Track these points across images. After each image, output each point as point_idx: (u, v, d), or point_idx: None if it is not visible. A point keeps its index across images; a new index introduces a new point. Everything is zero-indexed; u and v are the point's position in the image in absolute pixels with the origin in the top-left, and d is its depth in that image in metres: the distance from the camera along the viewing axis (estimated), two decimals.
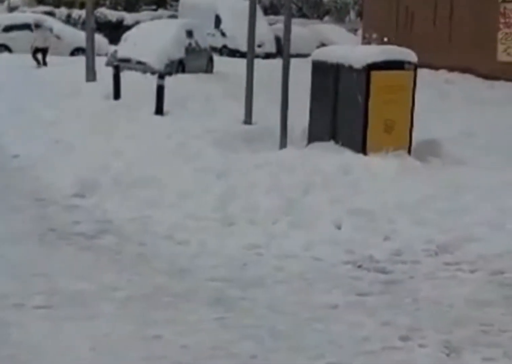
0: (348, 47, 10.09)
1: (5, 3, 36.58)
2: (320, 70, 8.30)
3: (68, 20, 31.43)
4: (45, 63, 18.72)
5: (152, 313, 4.35)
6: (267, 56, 24.24)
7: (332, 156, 7.32)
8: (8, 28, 22.86)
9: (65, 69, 16.96)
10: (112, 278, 4.93)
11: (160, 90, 11.20)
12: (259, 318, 4.28)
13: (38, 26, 19.50)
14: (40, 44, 18.84)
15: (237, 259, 5.39)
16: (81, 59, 19.35)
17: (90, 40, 14.79)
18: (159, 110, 11.12)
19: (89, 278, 4.91)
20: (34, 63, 18.67)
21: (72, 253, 5.51)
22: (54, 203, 6.85)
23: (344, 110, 7.87)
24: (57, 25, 23.56)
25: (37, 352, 3.78)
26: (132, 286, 4.81)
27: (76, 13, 33.43)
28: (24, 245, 5.59)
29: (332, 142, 7.94)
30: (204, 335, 4.03)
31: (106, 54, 19.75)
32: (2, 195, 7.06)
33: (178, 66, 17.10)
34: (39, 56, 18.85)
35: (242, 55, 24.03)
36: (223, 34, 26.45)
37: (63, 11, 34.08)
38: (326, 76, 8.15)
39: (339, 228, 5.85)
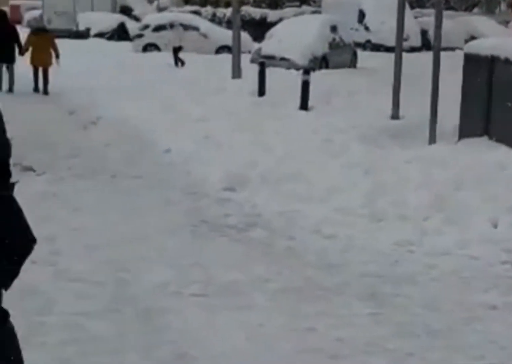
0: (503, 39, 9.70)
1: (155, 4, 38.08)
2: (473, 63, 8.03)
3: (213, 18, 32.29)
4: (182, 62, 19.19)
5: (304, 306, 4.38)
6: (412, 49, 23.77)
7: (486, 152, 7.07)
8: (158, 28, 23.78)
9: (211, 67, 17.42)
10: (263, 270, 5.01)
11: (305, 85, 11.25)
12: (414, 316, 4.20)
13: (172, 26, 20.06)
14: (175, 43, 19.40)
15: (388, 255, 5.32)
16: (226, 57, 19.87)
17: (236, 38, 15.09)
18: (304, 106, 11.17)
19: (241, 269, 5.01)
20: (179, 61, 19.30)
21: (224, 244, 5.64)
22: (205, 197, 7.04)
23: (499, 105, 7.57)
24: (203, 24, 24.26)
25: (195, 339, 3.89)
26: (283, 279, 4.86)
27: (221, 11, 34.29)
28: (178, 236, 5.78)
29: (485, 138, 7.67)
30: (358, 330, 4.01)
31: (250, 52, 20.10)
32: (156, 188, 7.33)
33: (322, 62, 17.11)
34: (175, 54, 19.42)
35: (386, 49, 23.72)
36: (366, 29, 26.21)
37: (208, 10, 35.04)
38: (480, 69, 7.88)
39: (495, 226, 5.64)
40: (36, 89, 14.83)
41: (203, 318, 4.16)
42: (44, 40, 14.65)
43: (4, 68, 14.60)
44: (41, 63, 14.63)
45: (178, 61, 19.06)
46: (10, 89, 14.54)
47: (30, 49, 14.63)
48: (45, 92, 14.69)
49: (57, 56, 14.74)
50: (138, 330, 4.01)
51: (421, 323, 4.08)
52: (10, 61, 14.48)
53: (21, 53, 14.63)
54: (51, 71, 15.04)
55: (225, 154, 8.39)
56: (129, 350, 3.77)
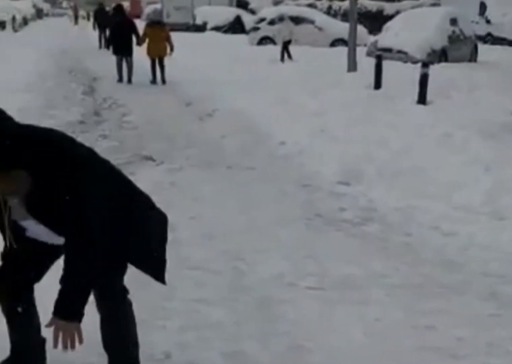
0: None
1: None
2: None
3: (328, 11, 32.13)
4: (289, 56, 19.15)
5: (422, 303, 4.29)
6: None
7: None
8: (273, 21, 23.90)
9: (327, 60, 17.34)
10: (380, 265, 4.94)
11: (423, 79, 10.99)
12: None
13: (281, 19, 19.92)
14: (285, 37, 19.33)
15: (510, 254, 5.13)
16: (341, 50, 19.72)
17: (353, 30, 14.94)
18: (421, 100, 10.92)
19: (357, 263, 4.97)
20: (287, 55, 19.26)
21: (339, 238, 5.60)
22: (320, 190, 7.02)
23: None
24: (319, 17, 24.17)
25: (311, 331, 3.89)
26: (400, 275, 4.78)
27: (337, 4, 34.06)
28: (293, 228, 5.79)
29: None
30: (478, 330, 3.89)
31: (365, 45, 19.87)
32: (271, 180, 7.37)
33: (441, 55, 16.69)
34: (284, 48, 19.37)
35: (509, 43, 22.90)
36: (487, 22, 25.35)
37: (324, 3, 34.89)
38: None
39: None
40: (154, 81, 15.29)
41: (318, 311, 4.15)
42: (159, 32, 15.12)
43: (123, 61, 15.18)
44: (156, 54, 15.11)
45: (284, 55, 19.05)
46: (129, 81, 15.08)
47: (147, 41, 15.12)
48: (163, 81, 15.19)
49: (171, 48, 15.18)
50: (255, 319, 4.05)
51: None
52: (128, 53, 15.02)
53: (138, 43, 15.18)
54: (168, 63, 15.45)
55: (340, 147, 8.32)
56: (246, 338, 3.81)
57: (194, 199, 6.58)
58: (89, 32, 30.20)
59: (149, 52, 15.23)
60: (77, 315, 2.73)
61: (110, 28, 16.35)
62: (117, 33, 15.09)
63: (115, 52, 15.26)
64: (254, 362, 3.57)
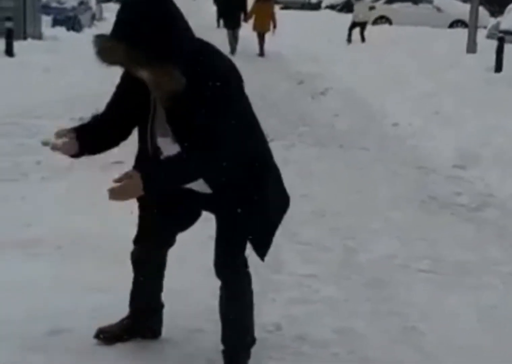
0: None
1: None
2: None
3: None
4: (363, 39, 18.65)
5: None
6: None
7: None
8: (390, 0, 23.43)
9: (445, 41, 16.87)
10: (496, 252, 4.79)
11: None
12: None
13: None
14: (359, 18, 18.75)
15: None
16: (460, 32, 19.15)
17: (474, 12, 14.46)
18: None
19: (472, 249, 4.83)
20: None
21: (454, 223, 5.46)
22: (434, 172, 6.86)
23: None
24: None
25: (423, 314, 3.81)
26: None
27: None
28: (406, 210, 5.69)
29: None
30: None
31: (485, 27, 19.22)
32: (384, 161, 7.27)
33: None
34: (356, 30, 18.84)
35: None
36: None
37: None
38: None
39: None
40: (261, 53, 15.67)
41: (431, 295, 4.07)
42: (265, 8, 15.91)
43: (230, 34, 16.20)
44: (261, 29, 16.09)
45: (363, 37, 18.47)
46: (232, 52, 15.60)
47: (253, 16, 15.58)
48: (261, 54, 16.17)
49: (274, 26, 15.99)
50: (365, 298, 4.01)
51: None
52: (236, 26, 15.94)
53: (246, 20, 16.32)
54: (280, 41, 15.61)
55: (456, 130, 8.10)
56: (357, 316, 3.78)
57: (306, 177, 6.57)
58: (207, 11, 30.51)
59: (255, 27, 16.17)
60: (147, 185, 2.66)
61: (220, 3, 17.83)
62: (227, 8, 16.38)
63: (225, 25, 16.51)
64: (365, 340, 3.53)
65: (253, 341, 3.22)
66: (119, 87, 3.01)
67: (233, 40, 16.02)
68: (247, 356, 3.20)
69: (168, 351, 3.33)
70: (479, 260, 4.62)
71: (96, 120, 3.06)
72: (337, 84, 11.71)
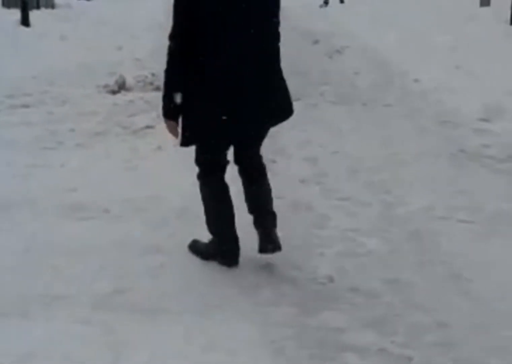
0: None
1: None
2: None
3: None
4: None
5: None
6: None
7: None
8: None
9: None
10: None
11: None
12: None
13: None
14: None
15: None
16: None
17: None
18: None
19: (507, 198, 4.93)
20: None
21: (485, 174, 5.55)
22: (460, 126, 6.92)
23: None
24: None
25: (468, 262, 3.93)
26: None
27: None
28: (437, 163, 5.78)
29: None
30: None
31: None
32: (408, 116, 7.33)
33: None
34: None
35: None
36: None
37: None
38: None
39: None
40: None
41: (474, 244, 4.19)
42: None
43: None
44: None
45: None
46: None
47: None
48: None
49: None
50: (409, 249, 4.14)
51: None
52: None
53: None
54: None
55: (478, 83, 8.13)
56: (403, 267, 3.91)
57: (334, 134, 6.66)
58: None
59: None
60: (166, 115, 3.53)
61: None
62: None
63: None
64: (414, 290, 3.66)
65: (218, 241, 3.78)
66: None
67: None
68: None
69: None
70: None
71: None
72: (353, 42, 11.68)
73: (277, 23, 3.64)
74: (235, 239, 3.76)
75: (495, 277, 3.78)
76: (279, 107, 3.67)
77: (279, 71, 3.70)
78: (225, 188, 3.78)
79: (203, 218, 3.84)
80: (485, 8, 13.78)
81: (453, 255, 4.04)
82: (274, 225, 3.80)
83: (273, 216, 3.83)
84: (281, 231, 3.83)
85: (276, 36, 3.66)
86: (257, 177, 3.87)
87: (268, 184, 3.89)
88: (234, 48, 3.46)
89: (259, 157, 3.92)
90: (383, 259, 4.02)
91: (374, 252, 4.09)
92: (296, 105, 7.65)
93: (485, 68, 8.76)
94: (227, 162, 3.82)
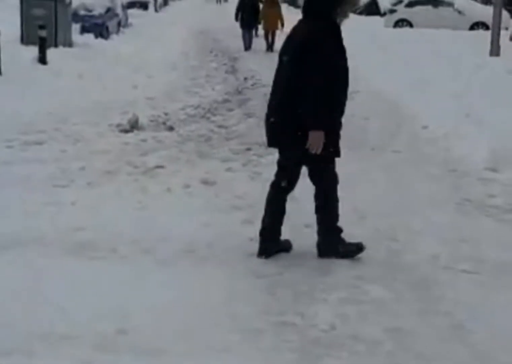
0: None
1: None
2: None
3: None
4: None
5: None
6: None
7: None
8: (411, 3, 23.51)
9: (467, 43, 16.95)
10: None
11: None
12: None
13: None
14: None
15: None
16: (481, 34, 19.20)
17: (498, 14, 14.54)
18: None
19: (511, 249, 4.96)
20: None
21: (490, 224, 5.59)
22: (467, 174, 6.97)
23: None
24: (459, 0, 23.55)
25: (471, 313, 3.95)
26: None
27: None
28: (443, 211, 5.82)
29: None
30: None
31: (506, 28, 19.25)
32: (416, 163, 7.40)
33: None
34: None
35: None
36: None
37: None
38: None
39: None
40: (268, 48, 18.73)
41: (477, 294, 4.20)
42: (273, 11, 18.86)
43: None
44: (270, 27, 18.82)
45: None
46: (249, 47, 18.94)
47: (263, 17, 18.96)
48: (271, 49, 18.50)
49: (282, 24, 18.66)
50: (413, 298, 4.16)
51: None
52: (251, 27, 19.29)
53: (258, 21, 19.36)
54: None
55: (487, 132, 8.20)
56: (406, 316, 3.93)
57: (342, 179, 6.69)
58: (227, 12, 30.71)
59: (265, 27, 19.07)
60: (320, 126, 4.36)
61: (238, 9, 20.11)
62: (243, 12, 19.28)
63: (241, 26, 19.39)
64: (415, 339, 3.68)
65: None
66: None
67: (250, 39, 19.13)
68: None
69: None
70: None
71: None
72: (364, 87, 11.82)
73: None
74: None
75: (498, 328, 3.79)
76: None
77: None
78: None
79: (209, 258, 3.87)
80: (494, 58, 13.94)
81: (456, 305, 4.06)
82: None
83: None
84: (286, 276, 3.86)
85: None
86: None
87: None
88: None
89: None
90: (386, 307, 4.04)
91: (378, 300, 4.11)
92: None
93: (494, 117, 8.85)
94: None
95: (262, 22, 19.02)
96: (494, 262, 4.70)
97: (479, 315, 3.94)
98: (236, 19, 19.38)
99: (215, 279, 3.98)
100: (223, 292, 4.04)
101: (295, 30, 4.56)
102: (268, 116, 4.63)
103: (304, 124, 4.36)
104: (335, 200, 4.73)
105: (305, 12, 4.54)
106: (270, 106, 4.62)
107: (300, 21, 4.56)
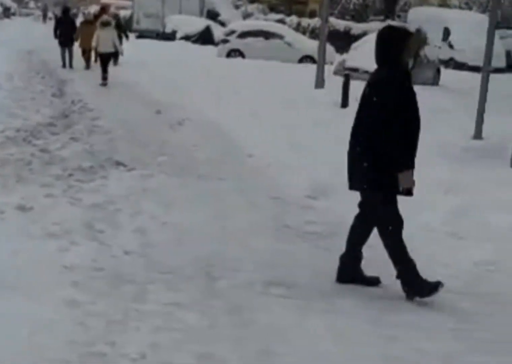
0: None
1: (241, 10, 38.55)
2: None
3: (297, 28, 32.50)
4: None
5: (386, 316, 4.49)
6: (496, 70, 23.44)
7: None
8: (243, 34, 24.15)
9: (295, 75, 17.61)
10: None
11: None
12: (496, 334, 4.26)
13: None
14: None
15: (469, 273, 5.38)
16: (309, 67, 20.03)
17: (322, 48, 15.24)
18: None
19: (325, 274, 5.14)
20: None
21: (307, 250, 5.78)
22: (288, 202, 7.19)
23: None
24: (288, 33, 24.49)
25: (282, 338, 4.04)
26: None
27: (306, 21, 34.47)
28: (263, 238, 5.95)
29: None
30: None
31: (331, 62, 20.21)
32: (241, 191, 7.53)
33: None
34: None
35: (469, 68, 23.49)
36: (450, 47, 25.99)
37: (293, 19, 35.28)
38: None
39: None
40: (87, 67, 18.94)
41: (290, 319, 4.32)
42: (90, 29, 18.23)
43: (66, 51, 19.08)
44: (86, 46, 18.59)
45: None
46: (71, 66, 19.09)
47: (80, 35, 19.04)
48: (88, 67, 19.07)
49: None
50: (227, 324, 4.19)
51: (502, 341, 4.14)
52: (70, 45, 19.16)
53: (76, 39, 19.33)
54: (136, 71, 15.74)
55: (309, 161, 8.53)
56: (219, 341, 3.95)
57: (166, 206, 6.70)
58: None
59: (80, 44, 19.22)
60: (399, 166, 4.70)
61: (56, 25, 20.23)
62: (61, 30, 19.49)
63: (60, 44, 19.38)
64: None
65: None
66: None
67: (70, 57, 19.24)
68: None
69: None
70: (332, 284, 4.94)
71: None
72: (194, 115, 11.93)
73: None
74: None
75: (305, 350, 3.91)
76: None
77: None
78: None
79: (17, 288, 3.66)
80: (319, 90, 14.59)
81: (268, 329, 4.15)
82: None
83: None
84: (99, 305, 3.76)
85: None
86: None
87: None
88: None
89: None
90: (200, 333, 4.05)
91: (192, 327, 4.11)
92: (130, 175, 7.64)
93: (317, 147, 9.24)
94: None
95: (79, 40, 19.28)
96: (306, 286, 4.85)
97: (289, 338, 4.04)
98: (55, 36, 19.66)
99: (21, 309, 3.80)
100: (29, 323, 3.87)
101: (372, 78, 4.89)
102: (354, 160, 4.90)
103: (392, 166, 4.66)
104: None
105: (377, 61, 4.86)
106: (354, 151, 4.91)
107: (376, 70, 4.87)
